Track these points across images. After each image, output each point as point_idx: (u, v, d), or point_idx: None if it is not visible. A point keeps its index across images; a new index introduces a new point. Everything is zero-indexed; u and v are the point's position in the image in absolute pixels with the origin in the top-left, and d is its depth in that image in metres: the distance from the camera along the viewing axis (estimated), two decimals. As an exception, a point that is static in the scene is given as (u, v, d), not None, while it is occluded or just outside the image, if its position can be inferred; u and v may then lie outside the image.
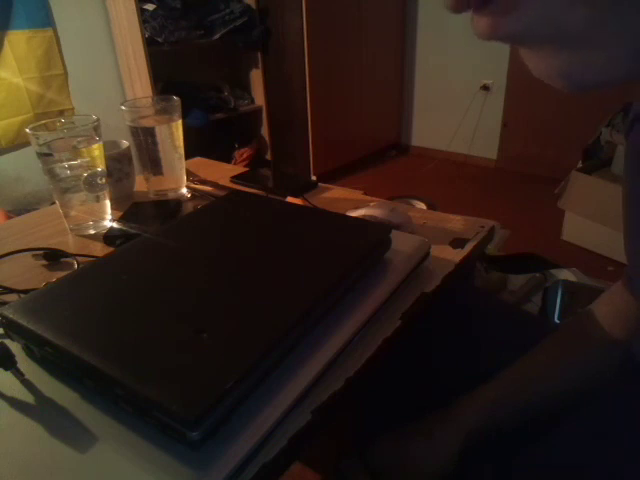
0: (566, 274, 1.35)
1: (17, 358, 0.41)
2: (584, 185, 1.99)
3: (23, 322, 0.41)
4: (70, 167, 0.66)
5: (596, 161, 2.07)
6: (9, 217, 1.77)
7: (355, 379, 0.42)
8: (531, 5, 0.20)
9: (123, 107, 0.77)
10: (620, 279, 0.48)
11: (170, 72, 2.47)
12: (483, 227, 0.67)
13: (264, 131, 2.94)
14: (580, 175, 2.00)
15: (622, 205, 0.44)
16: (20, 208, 1.97)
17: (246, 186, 0.85)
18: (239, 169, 0.94)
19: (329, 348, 0.42)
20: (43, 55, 2.06)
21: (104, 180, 0.70)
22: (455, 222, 0.69)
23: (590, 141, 2.11)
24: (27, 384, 0.40)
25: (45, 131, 0.66)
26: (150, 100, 0.91)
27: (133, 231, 0.69)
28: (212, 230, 0.58)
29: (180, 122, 0.80)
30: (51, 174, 0.66)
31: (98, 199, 0.71)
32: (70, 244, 0.69)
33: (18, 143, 2.04)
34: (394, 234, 0.54)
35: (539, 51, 0.22)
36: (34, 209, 0.85)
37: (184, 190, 0.84)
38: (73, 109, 2.18)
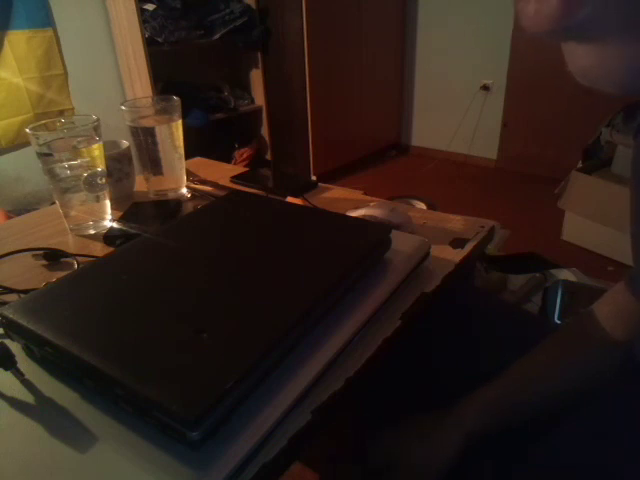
0: (566, 274, 1.35)
1: (17, 358, 0.41)
2: (584, 185, 1.99)
3: (23, 322, 0.41)
4: (70, 167, 0.66)
5: (596, 161, 2.07)
6: (9, 217, 1.77)
7: (355, 379, 0.42)
8: None
9: (123, 107, 0.77)
10: (621, 279, 0.47)
11: (170, 72, 2.47)
12: (483, 227, 0.67)
13: (264, 131, 2.93)
14: (580, 175, 2.00)
15: (630, 206, 0.44)
16: (20, 208, 1.97)
17: (246, 186, 0.85)
18: (239, 169, 0.94)
19: (329, 348, 0.42)
20: (43, 55, 2.05)
21: (104, 180, 0.70)
22: (455, 222, 0.69)
23: (590, 141, 2.11)
24: (27, 384, 0.40)
25: (45, 131, 0.66)
26: (150, 100, 0.91)
27: (133, 231, 0.69)
28: (212, 230, 0.58)
29: (180, 122, 0.80)
30: (51, 174, 0.66)
31: (98, 199, 0.71)
32: (70, 244, 0.69)
33: (18, 143, 2.04)
34: (394, 234, 0.54)
35: (599, 44, 0.20)
36: (34, 209, 0.85)
37: (184, 190, 0.84)
38: (73, 109, 2.18)
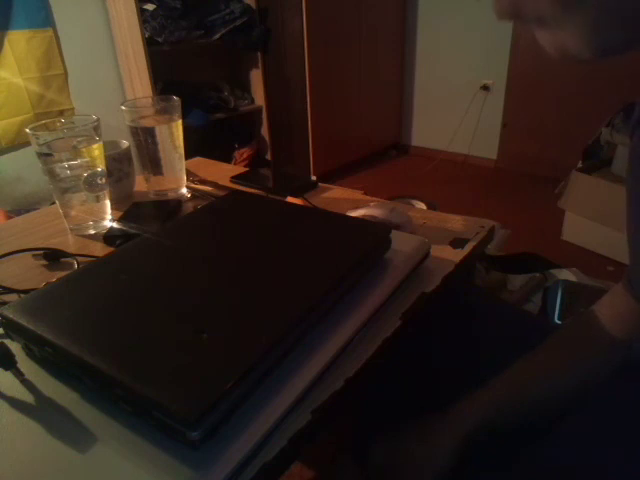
0: (566, 274, 1.35)
1: (17, 358, 0.41)
2: (584, 185, 1.99)
3: (23, 322, 0.41)
4: (70, 167, 0.66)
5: (596, 161, 2.07)
6: (9, 217, 1.77)
7: (355, 379, 0.42)
8: None
9: (123, 107, 0.77)
10: (621, 280, 0.47)
11: (170, 72, 2.47)
12: (483, 227, 0.67)
13: (264, 131, 2.94)
14: (580, 175, 2.00)
15: (625, 205, 0.44)
16: (20, 208, 1.97)
17: (246, 186, 0.85)
18: (239, 169, 0.95)
19: (329, 348, 0.42)
20: (43, 55, 2.06)
21: (104, 180, 0.70)
22: (455, 222, 0.69)
23: (590, 141, 2.11)
24: (27, 384, 0.40)
25: (45, 131, 0.66)
26: (150, 100, 0.91)
27: (133, 231, 0.69)
28: (212, 230, 0.58)
29: (180, 122, 0.80)
30: (51, 174, 0.66)
31: (98, 199, 0.71)
32: (70, 244, 0.69)
33: (18, 143, 2.04)
34: (394, 234, 0.54)
35: (540, 29, 0.28)
36: (34, 209, 0.85)
37: (184, 190, 0.84)
38: (73, 109, 2.18)
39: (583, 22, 0.25)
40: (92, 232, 0.71)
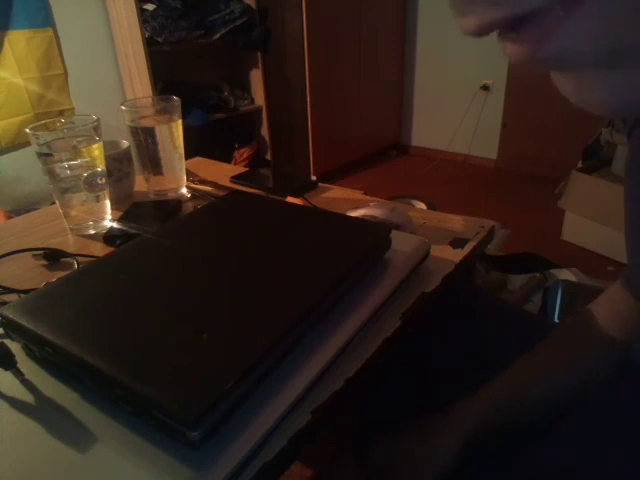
0: (566, 274, 1.35)
1: (17, 358, 0.41)
2: (584, 185, 1.99)
3: (23, 322, 0.41)
4: (70, 167, 0.66)
5: (596, 161, 2.07)
6: (9, 217, 1.77)
7: (355, 379, 0.42)
8: (574, 24, 0.18)
9: (123, 107, 0.77)
10: (619, 279, 0.47)
11: (170, 72, 2.47)
12: (483, 227, 0.67)
13: (264, 131, 2.94)
14: (580, 175, 2.00)
15: (624, 206, 0.44)
16: (20, 208, 1.97)
17: (246, 186, 0.85)
18: (239, 169, 0.94)
19: (329, 348, 0.42)
20: (43, 55, 2.06)
21: (104, 180, 0.70)
22: (455, 222, 0.69)
23: (590, 141, 2.11)
24: (27, 384, 0.40)
25: (45, 131, 0.66)
26: (150, 100, 0.91)
27: (133, 231, 0.69)
28: (212, 230, 0.58)
29: (180, 122, 0.80)
30: (51, 174, 0.66)
31: (98, 199, 0.71)
32: (70, 244, 0.69)
33: (18, 143, 2.04)
34: (394, 234, 0.54)
35: (580, 75, 0.20)
36: (34, 209, 0.85)
37: (184, 190, 0.84)
38: (73, 109, 2.18)
39: (625, 81, 0.19)
40: (92, 232, 0.71)
